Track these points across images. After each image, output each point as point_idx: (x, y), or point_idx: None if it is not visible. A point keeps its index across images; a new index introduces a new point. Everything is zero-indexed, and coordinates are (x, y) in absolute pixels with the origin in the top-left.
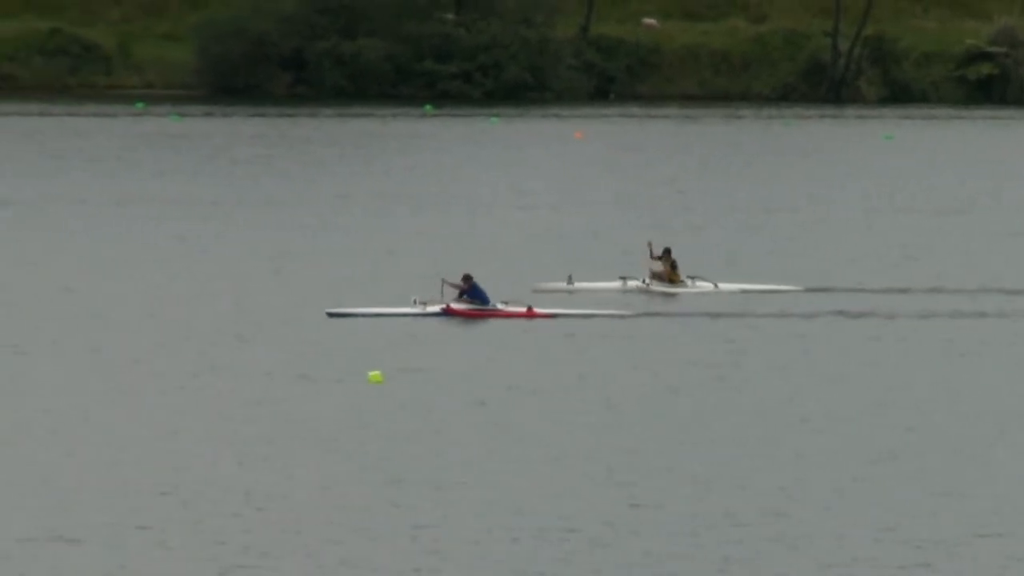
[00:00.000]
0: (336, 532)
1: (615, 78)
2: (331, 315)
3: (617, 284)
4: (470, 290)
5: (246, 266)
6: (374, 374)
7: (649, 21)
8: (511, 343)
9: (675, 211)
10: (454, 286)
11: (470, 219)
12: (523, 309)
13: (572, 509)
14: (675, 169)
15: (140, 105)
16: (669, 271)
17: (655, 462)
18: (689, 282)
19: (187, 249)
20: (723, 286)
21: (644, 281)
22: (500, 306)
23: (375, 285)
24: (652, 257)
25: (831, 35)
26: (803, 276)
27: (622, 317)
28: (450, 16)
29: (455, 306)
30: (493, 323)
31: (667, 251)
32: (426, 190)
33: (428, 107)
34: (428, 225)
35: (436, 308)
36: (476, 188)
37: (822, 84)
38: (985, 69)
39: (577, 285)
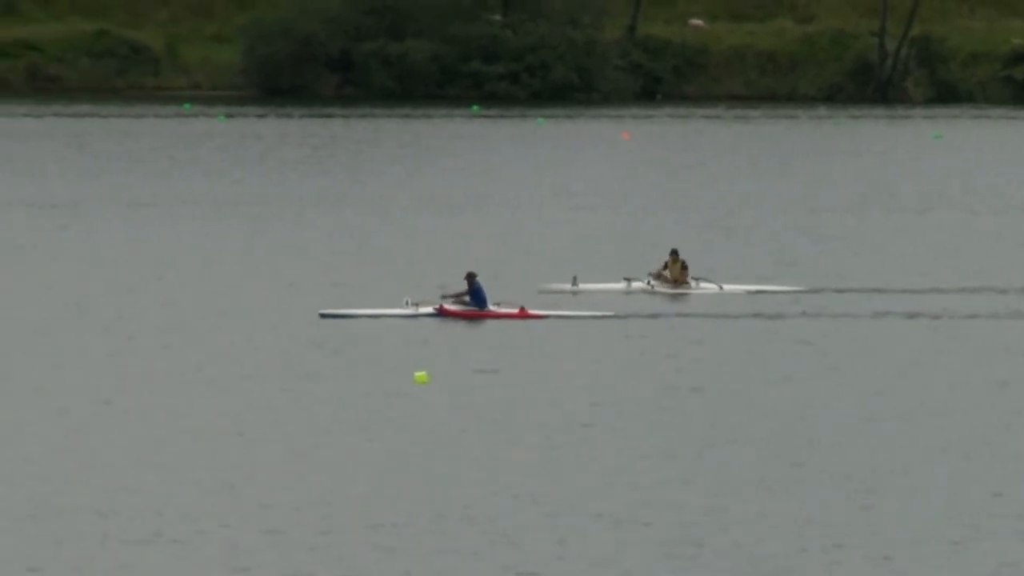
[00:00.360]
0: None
1: (662, 79)
2: (324, 316)
3: (621, 285)
4: (472, 291)
5: (289, 264)
6: (420, 375)
7: (696, 22)
8: (548, 343)
9: (722, 211)
10: (455, 298)
11: (512, 219)
12: (515, 310)
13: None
14: (722, 169)
15: (188, 106)
16: (678, 272)
17: (712, 459)
18: (693, 283)
19: (233, 248)
20: (728, 287)
21: (648, 283)
22: (493, 307)
23: (408, 285)
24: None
25: (878, 35)
26: (850, 276)
27: (615, 319)
28: (497, 17)
29: (448, 307)
30: (524, 324)
31: (674, 252)
32: (470, 191)
33: (475, 108)
34: (468, 225)
35: (429, 309)
36: (521, 189)
37: (869, 84)
38: None
39: (581, 286)
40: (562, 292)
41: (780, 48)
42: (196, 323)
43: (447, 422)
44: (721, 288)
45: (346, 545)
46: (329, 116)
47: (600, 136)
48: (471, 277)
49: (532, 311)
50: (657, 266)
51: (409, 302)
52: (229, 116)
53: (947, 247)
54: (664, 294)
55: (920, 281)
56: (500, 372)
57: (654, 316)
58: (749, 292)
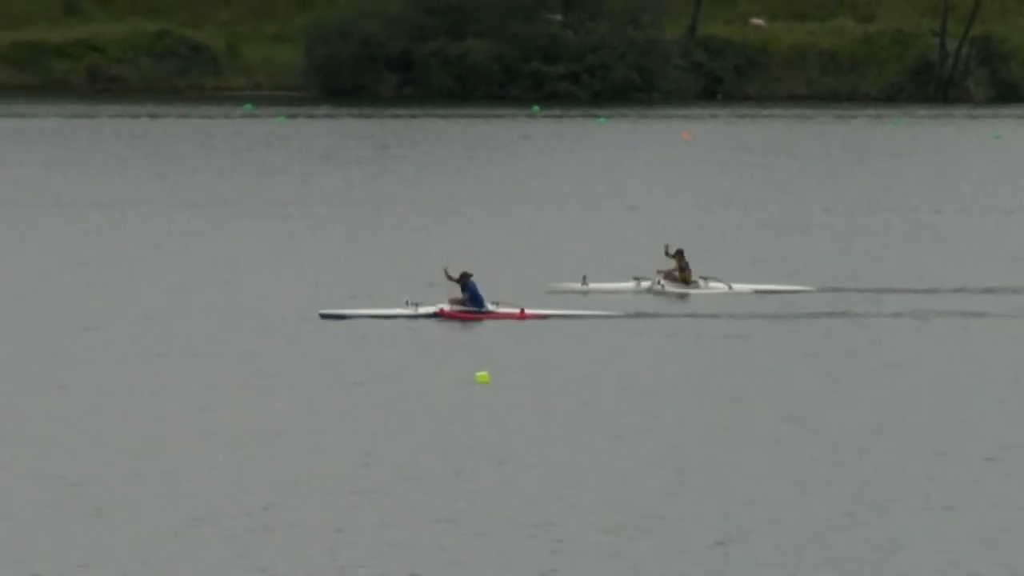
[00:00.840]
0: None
1: (723, 78)
2: (324, 316)
3: (631, 285)
4: (464, 288)
5: (347, 263)
6: (482, 374)
7: (756, 21)
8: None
9: (782, 211)
10: (452, 278)
11: (566, 218)
12: (515, 311)
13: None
14: (784, 169)
15: (248, 107)
16: (682, 271)
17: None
18: (702, 283)
19: (291, 249)
20: (736, 287)
21: (658, 282)
22: (492, 307)
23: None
24: (667, 255)
25: (939, 35)
26: (917, 277)
27: (617, 318)
28: (557, 17)
29: (447, 308)
30: (531, 324)
31: (680, 252)
32: (531, 190)
33: (535, 108)
34: (524, 224)
35: (430, 309)
36: (580, 188)
37: (930, 84)
38: None
39: (591, 286)
40: (572, 292)
41: (841, 48)
42: (244, 323)
43: (507, 422)
44: (730, 287)
45: (405, 543)
46: (389, 116)
47: (660, 136)
48: (465, 277)
49: (531, 311)
50: (656, 261)
51: (409, 302)
52: (290, 117)
53: (1009, 247)
54: (674, 293)
55: (976, 280)
56: (551, 371)
57: (658, 316)
58: (757, 291)
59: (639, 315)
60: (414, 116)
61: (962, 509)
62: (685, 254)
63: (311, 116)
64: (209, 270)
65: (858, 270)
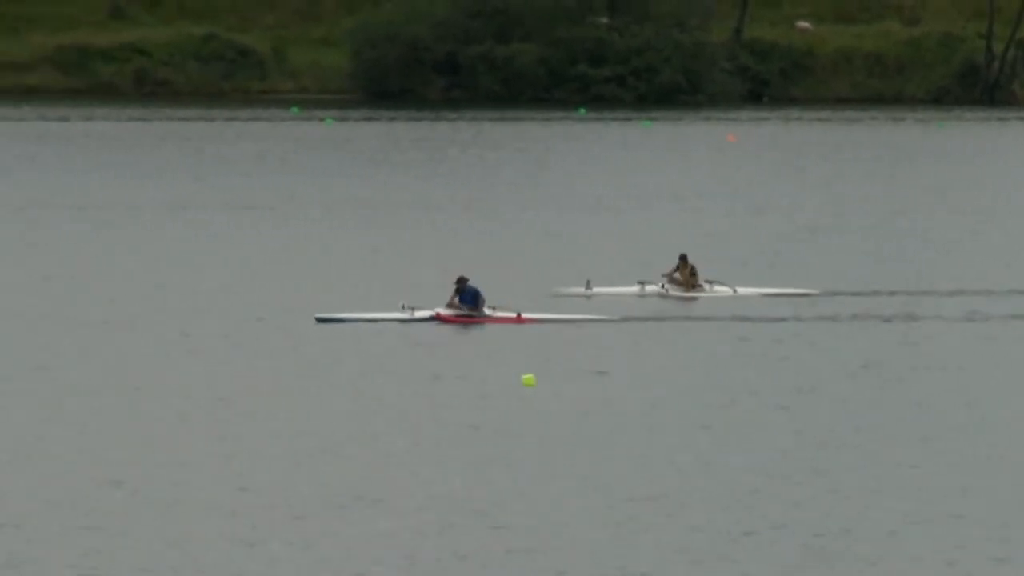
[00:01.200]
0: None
1: (768, 81)
2: (320, 320)
3: (635, 289)
4: (462, 292)
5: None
6: (527, 377)
7: (802, 24)
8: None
9: (828, 214)
10: (450, 304)
11: (612, 221)
12: (513, 315)
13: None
14: (830, 171)
15: (295, 110)
16: (687, 276)
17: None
18: (707, 287)
19: (336, 250)
20: (741, 290)
21: (662, 286)
22: (489, 311)
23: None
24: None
25: (985, 38)
26: (961, 279)
27: (614, 323)
28: (603, 20)
29: (444, 312)
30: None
31: (683, 257)
32: (576, 192)
33: (581, 111)
34: (569, 226)
35: (425, 313)
36: (628, 190)
37: (976, 87)
38: None
39: (596, 290)
40: (576, 296)
41: (887, 50)
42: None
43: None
44: (735, 291)
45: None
46: (436, 120)
47: (706, 138)
48: (461, 282)
49: (528, 316)
50: (669, 268)
51: (405, 306)
52: (337, 120)
53: None
54: (677, 298)
55: (1016, 283)
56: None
57: (660, 319)
58: (764, 295)
59: (639, 319)
60: (460, 119)
61: (986, 516)
62: (689, 259)
63: (358, 120)
64: (238, 271)
65: (901, 273)
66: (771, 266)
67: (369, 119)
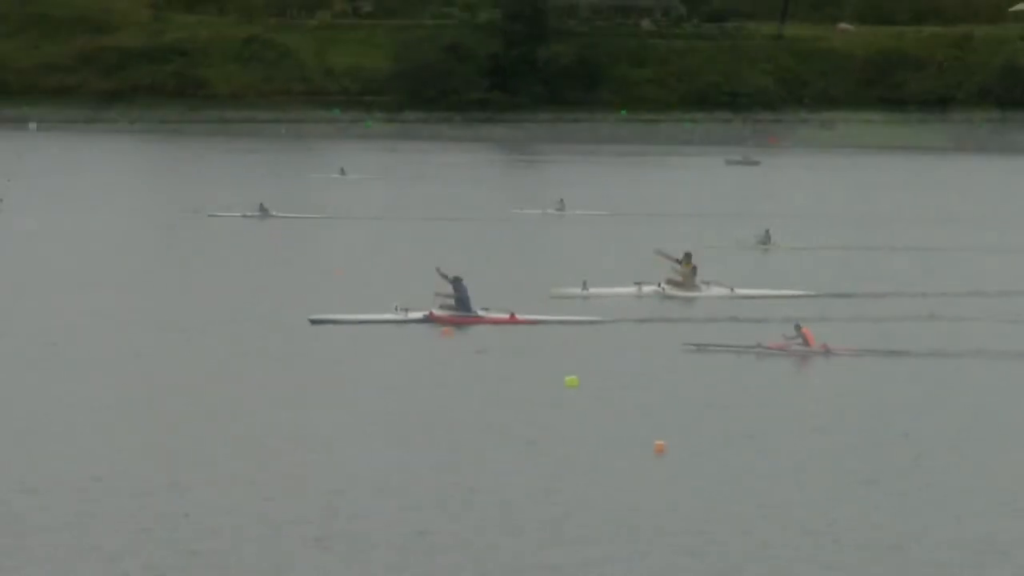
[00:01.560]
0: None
1: (809, 82)
2: (314, 322)
3: (632, 290)
4: (455, 290)
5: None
6: (571, 379)
7: (844, 26)
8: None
9: (864, 215)
10: (446, 277)
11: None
12: (506, 315)
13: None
14: (872, 173)
15: (336, 111)
16: (688, 274)
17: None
18: (704, 287)
19: (372, 250)
20: (739, 290)
21: (660, 286)
22: (481, 312)
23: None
24: (673, 260)
25: None
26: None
27: (603, 324)
28: (644, 22)
29: (438, 313)
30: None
31: (687, 255)
32: (614, 192)
33: (623, 111)
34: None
35: (418, 315)
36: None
37: (1018, 87)
38: None
39: (592, 291)
40: (572, 296)
41: (928, 52)
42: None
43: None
44: (732, 291)
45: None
46: (477, 121)
47: (746, 140)
48: (457, 281)
49: (521, 316)
50: (672, 271)
51: (398, 307)
52: (381, 121)
53: None
54: (676, 297)
55: None
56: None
57: (660, 321)
58: (761, 296)
59: (636, 321)
60: (502, 120)
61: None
62: (692, 258)
63: (399, 121)
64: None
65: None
66: (796, 271)
67: (410, 120)
